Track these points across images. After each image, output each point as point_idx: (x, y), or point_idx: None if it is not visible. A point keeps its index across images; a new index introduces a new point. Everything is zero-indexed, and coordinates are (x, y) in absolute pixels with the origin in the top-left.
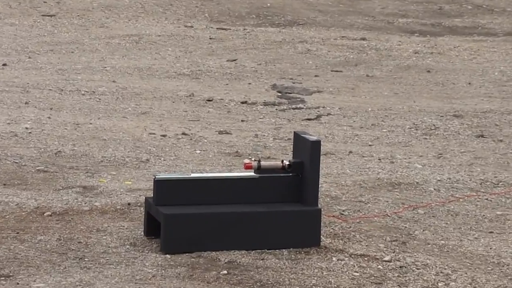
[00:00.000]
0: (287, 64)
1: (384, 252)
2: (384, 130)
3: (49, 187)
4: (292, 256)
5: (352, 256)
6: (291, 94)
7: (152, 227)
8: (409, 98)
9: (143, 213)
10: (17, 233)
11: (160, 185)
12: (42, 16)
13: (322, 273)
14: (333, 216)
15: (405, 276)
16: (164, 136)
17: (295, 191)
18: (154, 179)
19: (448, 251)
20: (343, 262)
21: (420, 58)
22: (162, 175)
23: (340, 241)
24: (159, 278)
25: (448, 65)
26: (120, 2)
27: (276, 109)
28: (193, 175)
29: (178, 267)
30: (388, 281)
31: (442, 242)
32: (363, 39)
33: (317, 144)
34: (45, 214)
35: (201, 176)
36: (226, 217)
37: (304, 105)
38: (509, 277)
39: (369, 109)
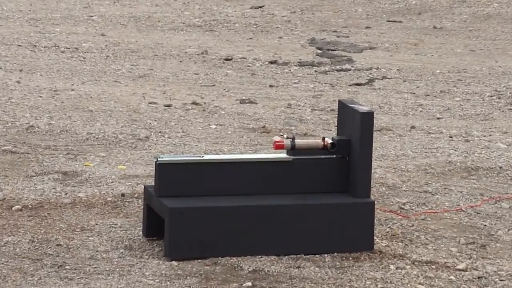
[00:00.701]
0: (330, 13)
1: (458, 259)
2: (457, 99)
3: (19, 173)
4: (337, 263)
5: (416, 263)
6: (334, 52)
7: (154, 226)
8: (489, 57)
9: (142, 207)
10: None
11: (163, 170)
12: None
13: (376, 285)
14: (390, 211)
15: None
16: (168, 106)
17: (340, 178)
18: (155, 162)
19: None
20: (403, 272)
21: (504, 5)
22: (166, 158)
23: (400, 243)
24: None
25: None
26: None
27: (315, 71)
28: (206, 157)
29: (188, 278)
30: None
31: None
32: None
33: (369, 116)
34: (13, 209)
35: (217, 159)
36: (250, 212)
37: (352, 66)
38: None
39: (437, 71)
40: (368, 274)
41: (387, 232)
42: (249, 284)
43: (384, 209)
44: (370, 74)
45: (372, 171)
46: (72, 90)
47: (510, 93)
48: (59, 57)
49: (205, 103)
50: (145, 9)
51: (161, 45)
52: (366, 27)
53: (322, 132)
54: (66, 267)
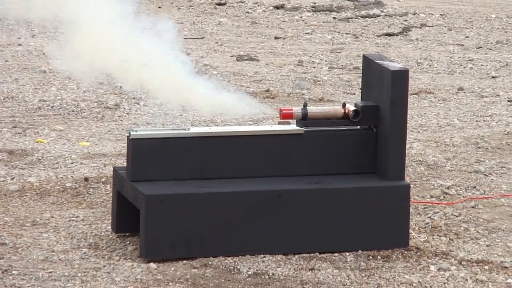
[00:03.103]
0: None
1: None
2: None
3: None
4: (362, 263)
5: (464, 263)
6: None
7: (126, 218)
8: None
9: (110, 194)
10: None
11: (138, 147)
12: None
13: None
14: (431, 198)
15: None
16: (145, 64)
17: (365, 155)
18: (127, 137)
19: None
20: (447, 274)
21: None
22: (142, 131)
23: (443, 238)
24: None
25: None
26: None
27: (334, 18)
28: (193, 130)
29: (171, 284)
30: None
31: None
32: None
33: (402, 76)
34: None
35: (207, 133)
36: (251, 199)
37: (382, 11)
38: None
39: (492, 16)
40: (401, 278)
41: (427, 223)
42: None
43: (422, 195)
44: (405, 21)
45: (407, 145)
46: (19, 45)
47: None
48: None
49: (191, 60)
50: None
51: None
52: None
53: (343, 97)
54: (13, 272)
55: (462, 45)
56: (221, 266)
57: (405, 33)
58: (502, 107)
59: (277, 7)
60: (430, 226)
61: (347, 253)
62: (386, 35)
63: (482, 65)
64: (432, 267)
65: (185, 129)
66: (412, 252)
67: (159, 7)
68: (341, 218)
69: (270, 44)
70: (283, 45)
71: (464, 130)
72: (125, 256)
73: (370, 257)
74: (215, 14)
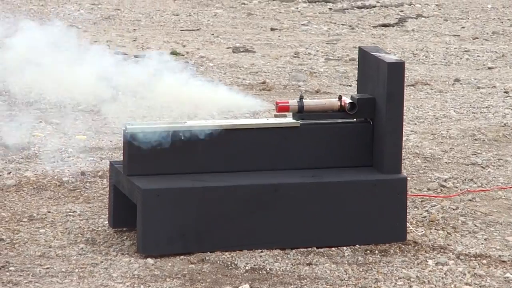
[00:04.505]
0: None
1: None
2: None
3: None
4: (359, 258)
5: (461, 257)
6: None
7: (123, 213)
8: None
9: (107, 189)
10: None
11: (134, 141)
12: None
13: (411, 287)
14: (428, 191)
15: None
16: (139, 57)
17: (362, 148)
18: (124, 131)
19: None
20: (445, 268)
21: None
22: (138, 125)
23: (440, 232)
24: None
25: None
26: None
27: (330, 8)
28: (190, 123)
29: (168, 279)
30: None
31: None
32: None
33: (398, 67)
34: None
35: (204, 126)
36: (247, 193)
37: (378, 1)
38: None
39: (488, 6)
40: (399, 272)
41: (424, 217)
42: (246, 286)
43: (419, 188)
44: (401, 11)
45: (404, 138)
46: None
47: None
48: None
49: (187, 52)
50: None
51: None
52: None
53: (339, 89)
54: (10, 268)
55: (458, 35)
56: (218, 261)
57: (401, 24)
58: (499, 98)
59: None
60: (427, 220)
61: (345, 248)
62: (382, 26)
63: (478, 56)
64: (430, 261)
65: (182, 123)
66: (409, 246)
67: None
68: (338, 212)
69: (266, 35)
70: (279, 36)
71: (461, 122)
72: (122, 251)
73: (368, 251)
74: (211, 5)
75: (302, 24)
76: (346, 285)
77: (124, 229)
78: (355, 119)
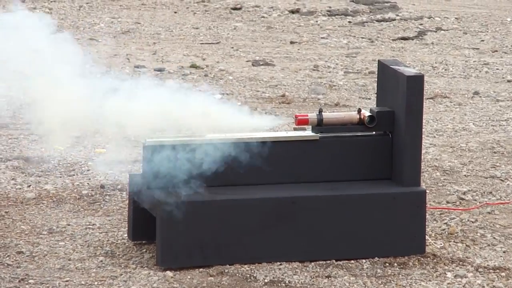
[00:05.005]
0: None
1: None
2: None
3: None
4: (378, 271)
5: (480, 270)
6: None
7: (142, 226)
8: None
9: (127, 202)
10: None
11: (153, 154)
12: None
13: None
14: (447, 203)
15: None
16: (160, 71)
17: (381, 161)
18: (143, 144)
19: None
20: (464, 281)
21: None
22: (157, 139)
23: (459, 244)
24: None
25: None
26: None
27: (350, 22)
28: (209, 136)
29: None
30: None
31: None
32: None
33: (417, 81)
34: None
35: (223, 139)
36: (267, 206)
37: (397, 15)
38: None
39: (508, 19)
40: (418, 285)
41: (443, 230)
42: None
43: (438, 201)
44: (421, 25)
45: (423, 151)
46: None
47: None
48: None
49: (207, 65)
50: None
51: None
52: None
53: (358, 102)
54: (30, 280)
55: (478, 48)
56: (237, 274)
57: (420, 37)
58: None
59: (292, 12)
60: (446, 233)
61: (364, 260)
62: (402, 39)
63: (497, 69)
64: (449, 274)
65: (201, 136)
66: (428, 259)
67: (175, 12)
68: (357, 225)
69: (286, 48)
70: (298, 49)
71: (480, 134)
72: (142, 264)
73: (387, 264)
74: (231, 19)
75: (321, 37)
76: None
77: (143, 242)
78: (374, 132)
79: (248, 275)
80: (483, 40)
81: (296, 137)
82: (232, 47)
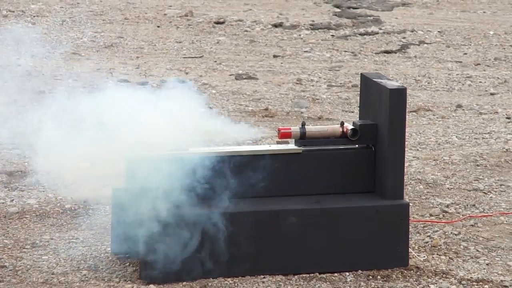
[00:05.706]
0: None
1: None
2: None
3: None
4: (361, 283)
5: (463, 282)
6: (357, 10)
7: (125, 240)
8: None
9: (110, 215)
10: None
11: (135, 168)
12: None
13: None
14: (431, 216)
15: None
16: (143, 84)
17: (364, 174)
18: (127, 158)
19: None
20: None
21: None
22: (139, 152)
23: (443, 257)
24: None
25: None
26: None
27: (333, 35)
28: (192, 150)
29: None
30: None
31: None
32: None
33: (400, 94)
34: None
35: (205, 153)
36: (250, 220)
37: (380, 28)
38: None
39: (491, 32)
40: None
41: (426, 242)
42: None
43: (421, 214)
44: (404, 38)
45: (406, 164)
46: (19, 65)
47: None
48: (0, 23)
49: (190, 79)
50: None
51: (133, 5)
52: None
53: (341, 115)
54: None
55: (461, 62)
56: None
57: (403, 50)
58: (501, 124)
59: (275, 26)
60: (429, 245)
61: (347, 273)
62: (385, 53)
63: (480, 82)
64: (432, 287)
65: (184, 149)
66: (412, 271)
67: (158, 26)
68: (340, 238)
69: (269, 62)
70: (281, 63)
71: (463, 147)
72: (125, 278)
73: (370, 277)
74: (214, 33)
75: (304, 51)
76: None
77: (127, 255)
78: (357, 145)
79: None
80: (466, 53)
81: (279, 151)
82: (215, 61)
